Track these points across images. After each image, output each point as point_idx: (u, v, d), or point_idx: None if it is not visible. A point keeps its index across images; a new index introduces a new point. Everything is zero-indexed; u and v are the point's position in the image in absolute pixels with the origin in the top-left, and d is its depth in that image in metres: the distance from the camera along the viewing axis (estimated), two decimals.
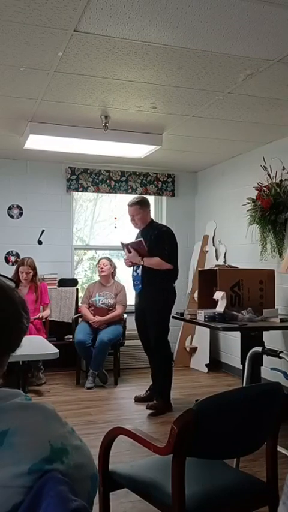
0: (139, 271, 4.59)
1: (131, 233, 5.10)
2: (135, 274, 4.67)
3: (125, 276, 5.62)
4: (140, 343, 4.84)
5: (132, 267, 4.71)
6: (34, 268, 5.37)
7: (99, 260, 5.69)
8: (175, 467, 1.73)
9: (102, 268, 5.58)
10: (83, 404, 4.65)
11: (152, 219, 4.78)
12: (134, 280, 4.71)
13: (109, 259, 5.67)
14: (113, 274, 5.67)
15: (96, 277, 5.90)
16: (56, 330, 5.75)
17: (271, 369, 3.16)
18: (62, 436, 0.99)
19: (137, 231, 4.85)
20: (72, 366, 5.47)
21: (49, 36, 2.83)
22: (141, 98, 3.86)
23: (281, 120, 4.41)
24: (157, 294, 4.52)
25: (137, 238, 4.75)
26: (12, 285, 1.10)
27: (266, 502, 1.98)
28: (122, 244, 4.70)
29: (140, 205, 4.67)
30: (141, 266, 4.55)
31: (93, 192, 6.38)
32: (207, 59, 3.12)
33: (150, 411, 4.42)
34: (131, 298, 5.21)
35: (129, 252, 4.58)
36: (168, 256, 4.50)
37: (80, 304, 5.88)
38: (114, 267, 5.68)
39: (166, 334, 4.57)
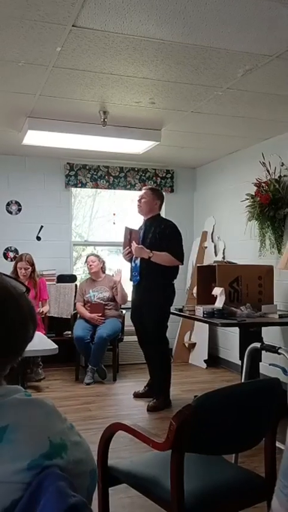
0: (137, 261, 4.51)
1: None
2: (133, 264, 4.60)
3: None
4: None
5: (130, 259, 4.65)
6: (32, 264, 5.36)
7: (87, 258, 5.71)
8: (174, 463, 1.73)
9: (91, 265, 5.60)
10: (82, 400, 4.66)
11: (159, 214, 4.70)
12: (132, 272, 4.64)
13: (97, 256, 5.69)
14: (102, 269, 5.68)
15: None
16: (54, 326, 5.76)
17: (270, 364, 3.16)
18: (61, 431, 0.99)
19: (139, 221, 4.80)
20: (71, 362, 5.48)
21: (47, 32, 2.82)
22: (139, 93, 3.85)
23: (280, 116, 4.40)
24: (156, 288, 4.45)
25: (139, 229, 4.68)
26: (23, 289, 1.08)
27: (264, 497, 1.98)
28: (126, 228, 4.64)
29: (152, 192, 4.65)
30: (139, 257, 4.47)
31: (91, 188, 6.37)
32: (206, 55, 3.11)
33: (148, 406, 4.41)
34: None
35: (130, 241, 4.53)
36: (178, 252, 4.45)
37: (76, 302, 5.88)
38: (103, 262, 5.70)
39: (164, 330, 4.55)
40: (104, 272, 5.70)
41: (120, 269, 5.53)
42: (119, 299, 5.53)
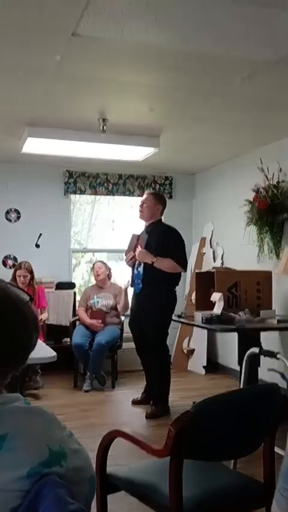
0: (140, 269, 4.49)
1: (128, 236, 5.02)
2: (136, 272, 4.56)
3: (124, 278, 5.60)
4: None
5: (133, 266, 4.62)
6: (31, 272, 5.36)
7: (94, 264, 5.71)
8: (172, 469, 1.73)
9: (98, 272, 5.59)
10: (80, 407, 4.64)
11: (160, 219, 4.66)
12: (134, 279, 4.60)
13: (103, 263, 5.69)
14: (109, 276, 5.68)
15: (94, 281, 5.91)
16: (53, 333, 5.74)
17: (268, 370, 3.16)
18: (60, 439, 0.99)
19: (138, 227, 4.77)
20: (70, 369, 5.46)
21: (47, 40, 2.84)
22: (139, 100, 3.87)
23: (278, 122, 4.42)
24: (159, 296, 4.41)
25: (141, 234, 4.64)
26: (26, 298, 1.08)
27: (263, 503, 1.98)
28: (134, 235, 4.59)
29: (155, 197, 4.63)
30: (142, 264, 4.45)
31: (90, 194, 6.39)
32: (204, 61, 3.12)
33: (147, 413, 4.40)
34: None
35: (136, 247, 4.48)
36: (181, 259, 4.43)
37: (77, 307, 5.87)
38: (109, 269, 5.70)
39: (165, 338, 4.53)
40: (109, 279, 5.70)
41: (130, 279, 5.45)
42: (120, 307, 5.51)
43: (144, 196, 4.68)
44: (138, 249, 4.46)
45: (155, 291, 4.43)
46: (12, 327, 1.01)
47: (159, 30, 2.72)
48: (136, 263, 4.55)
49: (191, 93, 3.71)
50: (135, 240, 4.58)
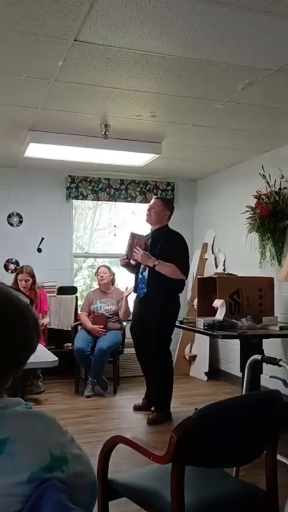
0: (145, 273, 4.46)
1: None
2: (140, 276, 4.53)
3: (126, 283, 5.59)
4: None
5: (134, 269, 4.59)
6: (33, 276, 5.36)
7: (98, 268, 5.71)
8: (174, 476, 1.72)
9: (102, 276, 5.59)
10: (81, 412, 4.63)
11: (167, 225, 4.63)
12: (138, 283, 4.57)
13: (107, 267, 5.68)
14: (112, 281, 5.68)
15: (96, 285, 5.91)
16: (55, 338, 5.73)
17: (270, 377, 3.15)
18: (62, 444, 0.99)
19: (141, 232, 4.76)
20: (72, 374, 5.45)
21: (49, 46, 2.85)
22: (140, 106, 3.88)
23: (279, 129, 4.43)
24: (162, 301, 4.38)
25: (146, 236, 4.62)
26: (27, 301, 1.08)
27: (266, 511, 1.97)
28: (131, 234, 4.56)
29: (163, 202, 4.60)
30: (147, 269, 4.43)
31: (92, 200, 6.40)
32: (206, 69, 3.14)
33: (149, 419, 4.38)
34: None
35: (132, 246, 4.44)
36: (183, 266, 4.41)
37: (79, 311, 5.87)
38: (113, 274, 5.70)
39: (168, 344, 4.51)
40: (113, 284, 5.69)
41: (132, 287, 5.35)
42: (121, 314, 5.50)
43: (153, 200, 4.64)
44: (139, 250, 4.41)
45: (159, 296, 4.40)
46: (13, 327, 1.01)
47: (161, 37, 2.73)
48: (141, 268, 4.52)
49: (193, 100, 3.72)
50: (133, 240, 4.53)
